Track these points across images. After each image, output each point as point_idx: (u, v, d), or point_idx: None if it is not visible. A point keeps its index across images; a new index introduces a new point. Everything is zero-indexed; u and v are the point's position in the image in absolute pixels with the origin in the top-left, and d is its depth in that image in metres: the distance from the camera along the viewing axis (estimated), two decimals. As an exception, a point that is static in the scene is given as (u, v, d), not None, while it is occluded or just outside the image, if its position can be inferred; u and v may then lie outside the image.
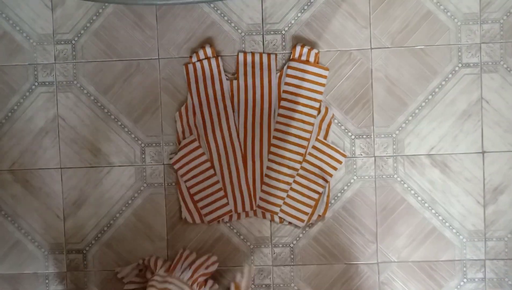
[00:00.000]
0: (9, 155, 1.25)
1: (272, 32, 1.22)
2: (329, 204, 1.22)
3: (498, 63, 1.20)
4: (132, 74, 1.24)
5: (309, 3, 1.21)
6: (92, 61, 1.24)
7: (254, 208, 1.21)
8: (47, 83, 1.24)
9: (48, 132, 1.24)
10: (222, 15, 1.22)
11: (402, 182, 1.21)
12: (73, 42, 1.24)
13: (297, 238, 1.23)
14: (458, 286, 1.22)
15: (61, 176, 1.24)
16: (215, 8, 1.22)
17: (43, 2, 1.24)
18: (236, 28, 1.22)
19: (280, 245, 1.23)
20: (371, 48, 1.21)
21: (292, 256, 1.23)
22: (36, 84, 1.24)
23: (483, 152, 1.21)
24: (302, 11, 1.21)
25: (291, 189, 1.20)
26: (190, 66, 1.21)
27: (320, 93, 1.19)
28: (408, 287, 1.22)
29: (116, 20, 1.23)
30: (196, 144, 1.20)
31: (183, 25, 1.23)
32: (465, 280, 1.22)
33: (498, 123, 1.20)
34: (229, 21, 1.22)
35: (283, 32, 1.22)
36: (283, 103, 1.20)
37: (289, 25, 1.22)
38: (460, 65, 1.21)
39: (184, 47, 1.23)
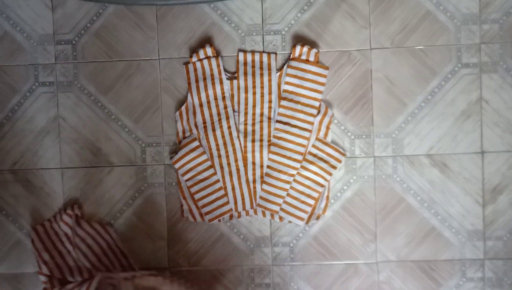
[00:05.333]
0: (10, 155, 1.25)
1: (272, 33, 1.22)
2: (329, 204, 1.22)
3: (497, 63, 1.20)
4: (133, 75, 1.24)
5: (309, 4, 1.22)
6: (92, 62, 1.24)
7: (255, 207, 1.21)
8: (47, 83, 1.25)
9: (48, 132, 1.25)
10: (222, 15, 1.23)
11: (401, 182, 1.22)
12: (74, 42, 1.24)
13: (297, 238, 1.23)
14: (457, 286, 1.22)
15: (62, 176, 1.24)
16: (215, 9, 1.23)
17: (43, 2, 1.24)
18: (236, 28, 1.23)
19: (280, 245, 1.23)
20: (371, 49, 1.22)
21: (292, 256, 1.23)
22: (37, 84, 1.25)
23: (482, 152, 1.21)
24: (302, 11, 1.22)
25: (291, 188, 1.20)
26: (190, 66, 1.21)
27: (320, 92, 1.19)
28: (407, 286, 1.22)
29: (117, 21, 1.24)
30: (196, 143, 1.21)
31: (183, 25, 1.23)
32: (464, 279, 1.22)
33: (497, 123, 1.21)
34: (229, 22, 1.23)
35: (283, 32, 1.22)
36: (283, 102, 1.20)
37: (289, 25, 1.22)
38: (459, 65, 1.21)
39: (184, 47, 1.23)
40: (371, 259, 1.23)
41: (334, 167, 1.20)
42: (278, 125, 1.21)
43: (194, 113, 1.21)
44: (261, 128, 1.21)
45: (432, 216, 1.22)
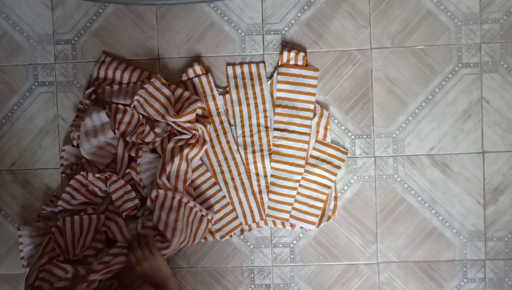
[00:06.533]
0: (9, 155, 1.25)
1: (272, 32, 1.22)
2: (338, 204, 1.21)
3: (498, 63, 1.20)
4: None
5: (309, 3, 1.21)
6: (92, 61, 1.24)
7: (264, 217, 1.21)
8: (47, 83, 1.24)
9: (48, 132, 1.24)
10: (222, 15, 1.22)
11: (402, 182, 1.21)
12: (73, 42, 1.24)
13: (297, 238, 1.23)
14: (458, 286, 1.22)
15: (61, 176, 1.24)
16: (215, 8, 1.22)
17: (43, 2, 1.24)
18: (236, 28, 1.22)
19: (280, 245, 1.23)
20: (371, 48, 1.21)
21: (292, 256, 1.23)
22: (36, 84, 1.24)
23: (483, 152, 1.21)
24: (302, 11, 1.21)
25: (298, 193, 1.20)
26: (182, 86, 1.20)
27: (313, 94, 1.19)
28: (408, 287, 1.22)
29: (116, 20, 1.23)
30: (198, 162, 1.20)
31: (183, 25, 1.23)
32: (465, 280, 1.22)
33: (498, 123, 1.20)
34: (229, 21, 1.22)
35: (283, 32, 1.22)
36: (278, 109, 1.20)
37: (289, 25, 1.22)
38: (460, 65, 1.20)
39: (184, 47, 1.23)
40: (371, 260, 1.22)
41: (338, 167, 1.20)
42: (276, 133, 1.20)
43: None
44: (260, 138, 1.20)
45: (433, 216, 1.21)
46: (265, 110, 1.20)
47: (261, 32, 1.22)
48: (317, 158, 1.20)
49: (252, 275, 1.23)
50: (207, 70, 1.22)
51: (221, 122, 1.21)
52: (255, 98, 1.20)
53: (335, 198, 1.21)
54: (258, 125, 1.20)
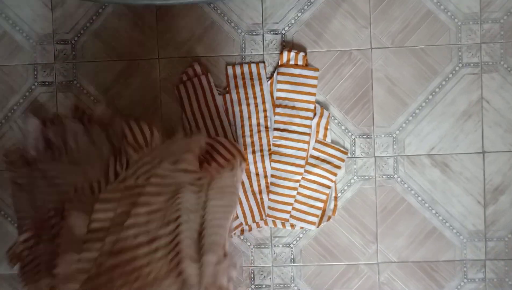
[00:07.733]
0: (9, 155, 1.25)
1: (272, 32, 1.22)
2: (338, 204, 1.21)
3: (498, 63, 1.20)
4: (132, 74, 1.23)
5: (309, 3, 1.21)
6: (92, 61, 1.24)
7: (264, 217, 1.21)
8: (47, 83, 1.24)
9: (48, 132, 1.24)
10: (222, 15, 1.22)
11: (402, 182, 1.21)
12: (73, 42, 1.24)
13: (297, 238, 1.23)
14: (459, 286, 1.22)
15: (61, 176, 1.24)
16: (215, 8, 1.22)
17: (43, 2, 1.24)
18: (236, 28, 1.22)
19: (280, 245, 1.23)
20: (371, 48, 1.21)
21: (292, 256, 1.23)
22: (36, 84, 1.24)
23: (484, 152, 1.21)
24: (302, 11, 1.21)
25: (298, 193, 1.19)
26: (181, 86, 1.20)
27: (313, 94, 1.19)
28: (408, 287, 1.22)
29: (116, 20, 1.23)
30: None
31: (183, 25, 1.23)
32: (465, 280, 1.21)
33: (499, 123, 1.20)
34: (229, 21, 1.22)
35: (283, 32, 1.22)
36: (278, 109, 1.20)
37: (289, 25, 1.22)
38: (460, 65, 1.20)
39: (184, 47, 1.23)
40: (372, 260, 1.22)
41: (338, 167, 1.20)
42: (276, 133, 1.20)
43: (191, 132, 1.20)
44: (260, 138, 1.20)
45: (433, 216, 1.21)
46: (265, 110, 1.20)
47: (261, 32, 1.22)
48: (317, 158, 1.20)
49: (252, 275, 1.23)
50: (207, 70, 1.22)
51: (221, 122, 1.20)
52: (255, 98, 1.20)
53: (335, 198, 1.21)
54: (258, 125, 1.20)
